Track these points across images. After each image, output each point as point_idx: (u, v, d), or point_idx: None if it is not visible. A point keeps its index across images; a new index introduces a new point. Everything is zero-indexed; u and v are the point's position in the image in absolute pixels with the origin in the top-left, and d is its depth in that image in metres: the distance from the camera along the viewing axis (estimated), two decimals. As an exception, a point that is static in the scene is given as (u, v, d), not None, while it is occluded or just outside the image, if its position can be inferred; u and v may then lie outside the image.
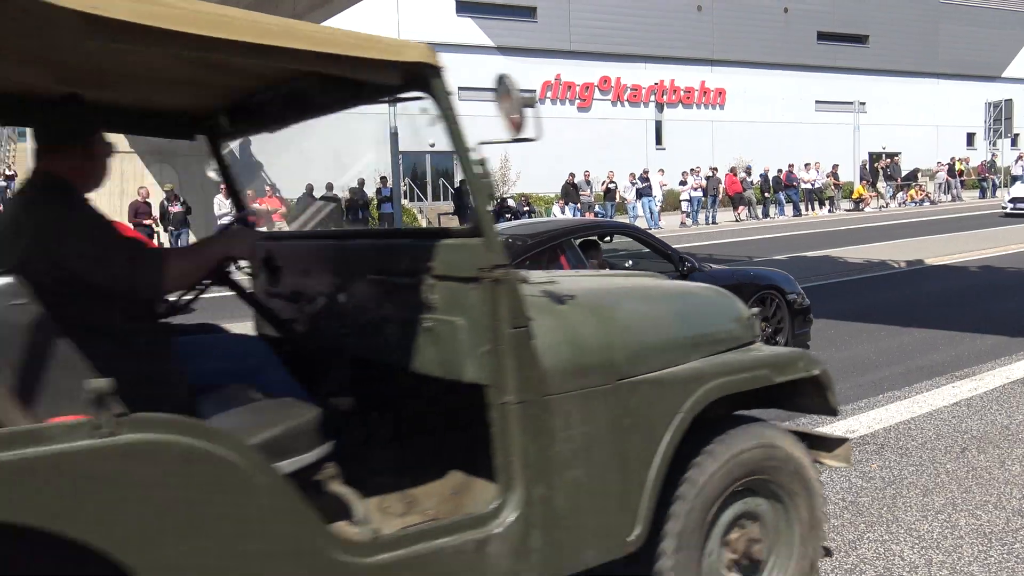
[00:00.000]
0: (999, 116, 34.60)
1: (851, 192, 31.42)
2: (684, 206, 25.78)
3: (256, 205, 18.08)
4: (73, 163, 2.38)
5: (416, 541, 2.11)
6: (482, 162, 2.30)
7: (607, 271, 6.36)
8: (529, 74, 32.80)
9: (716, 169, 27.25)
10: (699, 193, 25.97)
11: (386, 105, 20.00)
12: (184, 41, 1.80)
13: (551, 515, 2.27)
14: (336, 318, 2.82)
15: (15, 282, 2.14)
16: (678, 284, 3.85)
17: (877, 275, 12.69)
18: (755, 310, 3.10)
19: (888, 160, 34.33)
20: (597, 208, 24.98)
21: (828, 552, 3.41)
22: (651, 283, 3.16)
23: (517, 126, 2.22)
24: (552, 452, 2.27)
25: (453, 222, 22.52)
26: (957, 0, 41.81)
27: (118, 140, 21.29)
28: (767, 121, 36.97)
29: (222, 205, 17.78)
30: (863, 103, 35.55)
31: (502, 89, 2.24)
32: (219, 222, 17.98)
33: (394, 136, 19.64)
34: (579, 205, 23.98)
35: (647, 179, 25.24)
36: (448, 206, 25.10)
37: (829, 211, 29.39)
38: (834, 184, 29.84)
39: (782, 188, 28.40)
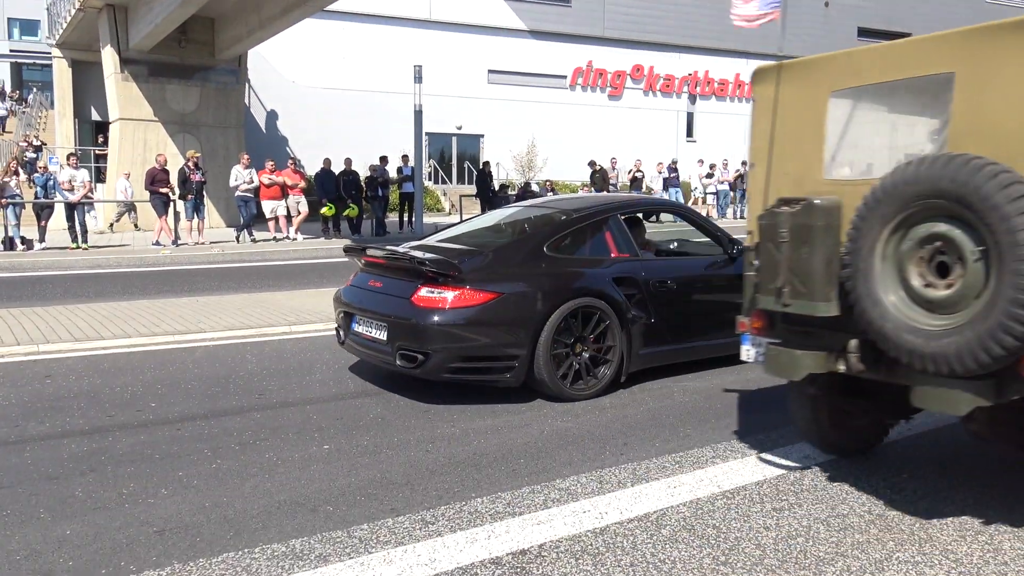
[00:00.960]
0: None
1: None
2: (709, 199, 25.15)
3: (272, 176, 17.78)
4: None
5: None
6: None
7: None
8: (560, 59, 32.29)
9: (746, 163, 26.56)
10: (725, 187, 25.33)
11: (412, 83, 19.58)
12: None
13: None
14: None
15: None
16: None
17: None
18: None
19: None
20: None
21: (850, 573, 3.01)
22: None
23: None
24: None
25: (475, 204, 22.13)
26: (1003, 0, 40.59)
27: (143, 110, 21.16)
28: (802, 117, 36.13)
29: (239, 176, 17.48)
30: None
31: None
32: (236, 193, 17.72)
33: (418, 115, 19.20)
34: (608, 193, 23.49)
35: (675, 169, 24.68)
36: (471, 189, 24.66)
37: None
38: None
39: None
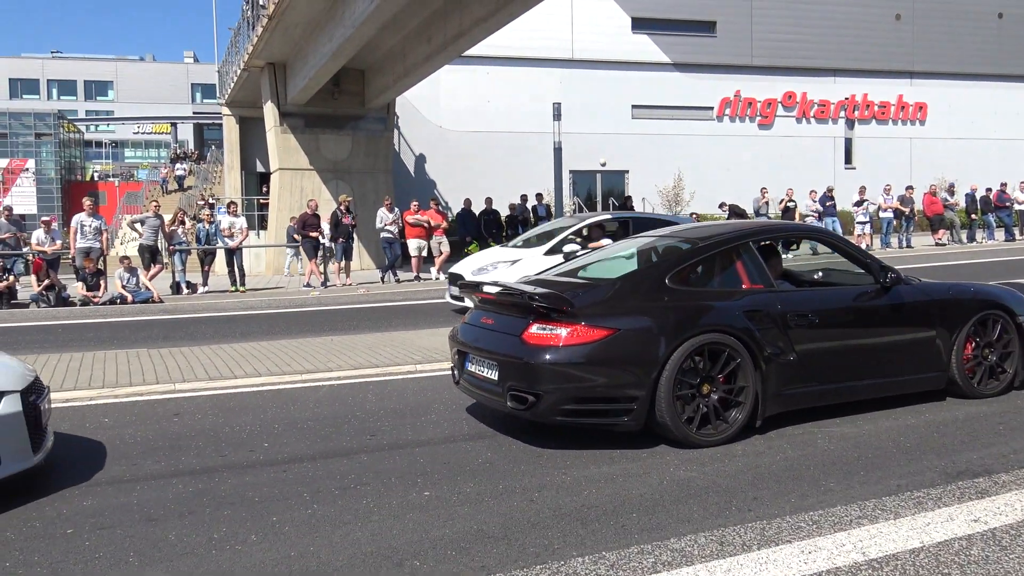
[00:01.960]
0: None
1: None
2: (857, 228, 23.40)
3: (417, 216, 18.13)
4: None
5: None
6: None
7: None
8: (707, 91, 31.51)
9: (912, 188, 24.68)
10: (889, 215, 23.56)
11: (551, 121, 19.55)
12: None
13: None
14: None
15: None
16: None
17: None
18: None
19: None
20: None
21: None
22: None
23: None
24: None
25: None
26: None
27: (299, 159, 22.31)
28: (976, 137, 33.47)
29: (383, 218, 17.96)
30: (1094, 116, 31.27)
31: None
32: (382, 235, 18.20)
33: (557, 152, 19.15)
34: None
35: (831, 197, 23.26)
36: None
37: (1049, 236, 25.86)
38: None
39: (992, 209, 25.28)
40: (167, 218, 17.40)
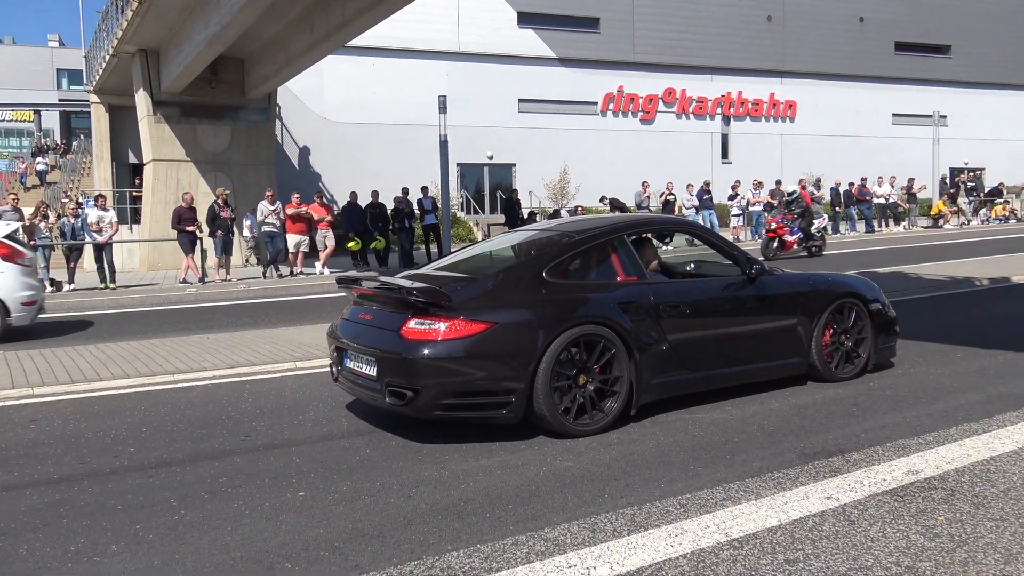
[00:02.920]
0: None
1: (929, 208, 29.65)
2: (732, 221, 24.46)
3: (298, 209, 17.71)
4: None
5: None
6: None
7: None
8: (591, 86, 32.07)
9: (780, 182, 25.92)
10: (758, 208, 24.68)
11: (437, 114, 19.41)
12: None
13: None
14: None
15: None
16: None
17: (955, 293, 11.48)
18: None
19: (970, 175, 32.38)
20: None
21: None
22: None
23: None
24: None
25: (503, 231, 21.83)
26: (1048, 9, 39.45)
27: (175, 150, 21.36)
28: (840, 135, 35.41)
29: (263, 211, 17.45)
30: (943, 116, 33.63)
31: None
32: (263, 228, 17.68)
33: (443, 145, 19.02)
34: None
35: (708, 191, 24.15)
36: (503, 218, 24.42)
37: (905, 228, 27.71)
38: (907, 194, 28.04)
39: (854, 203, 26.88)
40: (27, 212, 16.35)
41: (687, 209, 23.86)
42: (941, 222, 28.48)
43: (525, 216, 22.31)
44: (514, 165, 31.33)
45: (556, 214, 22.94)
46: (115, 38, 22.14)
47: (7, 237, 10.10)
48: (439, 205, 20.04)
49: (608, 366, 5.11)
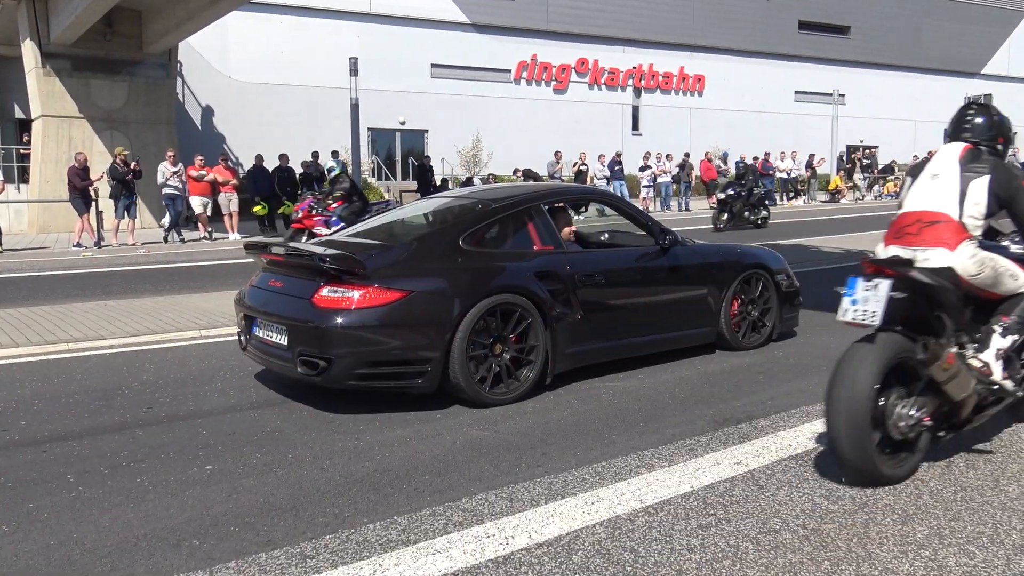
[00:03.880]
0: (978, 112, 34.04)
1: (828, 184, 30.85)
2: (642, 192, 24.88)
3: (199, 171, 17.04)
4: None
5: None
6: None
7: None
8: (504, 53, 31.84)
9: (688, 155, 26.47)
10: (667, 179, 25.14)
11: (348, 76, 18.95)
12: None
13: None
14: None
15: None
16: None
17: (853, 265, 11.98)
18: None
19: (866, 152, 33.82)
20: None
21: (781, 601, 2.63)
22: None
23: None
24: None
25: (415, 198, 21.57)
26: (940, -6, 41.29)
27: (67, 106, 20.15)
28: (746, 110, 36.29)
29: (165, 173, 16.72)
30: (842, 95, 34.91)
31: None
32: (163, 191, 16.96)
33: (355, 108, 18.60)
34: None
35: (620, 162, 24.44)
36: (415, 185, 24.12)
37: (805, 202, 28.76)
38: (809, 170, 29.12)
39: (757, 177, 27.67)
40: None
41: (599, 180, 24.10)
42: (838, 197, 29.66)
43: (438, 183, 22.09)
44: (426, 131, 30.91)
45: (469, 182, 22.80)
46: (-3, -18, 20.65)
47: None
48: (349, 170, 19.59)
49: (524, 335, 5.11)
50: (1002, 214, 3.87)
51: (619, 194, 23.17)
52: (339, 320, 4.65)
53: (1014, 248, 4.09)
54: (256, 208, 18.26)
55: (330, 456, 4.16)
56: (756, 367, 5.93)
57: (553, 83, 33.21)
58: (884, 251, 3.86)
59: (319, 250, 5.04)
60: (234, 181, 17.92)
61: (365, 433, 4.53)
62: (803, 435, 4.33)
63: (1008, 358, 3.85)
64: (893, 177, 32.48)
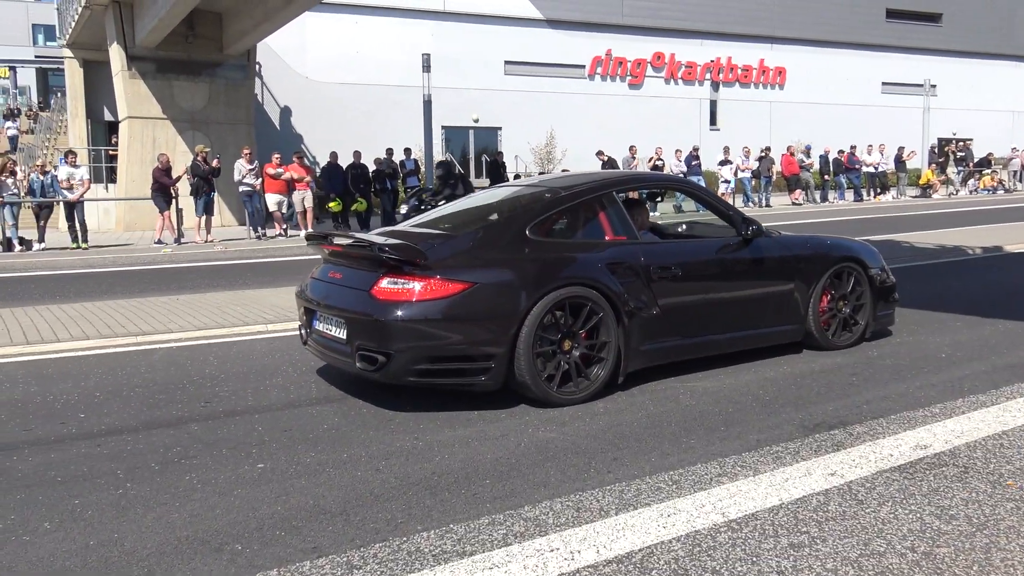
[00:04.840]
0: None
1: (918, 178, 29.42)
2: (721, 187, 24.09)
3: (278, 169, 17.22)
4: None
5: None
6: None
7: None
8: (579, 49, 31.43)
9: (769, 149, 25.56)
10: (747, 175, 24.32)
11: (421, 73, 18.89)
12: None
13: None
14: None
15: None
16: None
17: (949, 261, 11.23)
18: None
19: (960, 145, 32.17)
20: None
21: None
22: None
23: None
24: None
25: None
26: (1040, -22, 39.01)
27: (151, 108, 20.70)
28: (830, 103, 34.97)
29: (241, 170, 16.94)
30: (934, 85, 33.27)
31: None
32: (240, 188, 17.19)
33: (427, 105, 18.52)
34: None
35: (696, 156, 23.79)
36: (487, 182, 23.97)
37: (894, 197, 27.49)
38: (897, 163, 27.77)
39: (843, 171, 26.59)
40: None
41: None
42: (930, 192, 28.27)
43: (511, 180, 21.87)
44: (500, 129, 30.73)
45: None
46: (86, -11, 21.34)
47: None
48: (422, 167, 19.56)
49: (595, 331, 4.78)
50: None
51: (677, 177, 22.60)
52: (399, 313, 4.41)
53: None
54: (331, 204, 18.36)
55: (386, 456, 3.92)
56: (848, 368, 5.46)
57: (628, 78, 32.62)
58: None
59: (379, 240, 4.82)
60: (308, 178, 18.03)
61: (425, 432, 4.28)
62: (906, 444, 3.88)
63: None
64: (990, 170, 30.79)
